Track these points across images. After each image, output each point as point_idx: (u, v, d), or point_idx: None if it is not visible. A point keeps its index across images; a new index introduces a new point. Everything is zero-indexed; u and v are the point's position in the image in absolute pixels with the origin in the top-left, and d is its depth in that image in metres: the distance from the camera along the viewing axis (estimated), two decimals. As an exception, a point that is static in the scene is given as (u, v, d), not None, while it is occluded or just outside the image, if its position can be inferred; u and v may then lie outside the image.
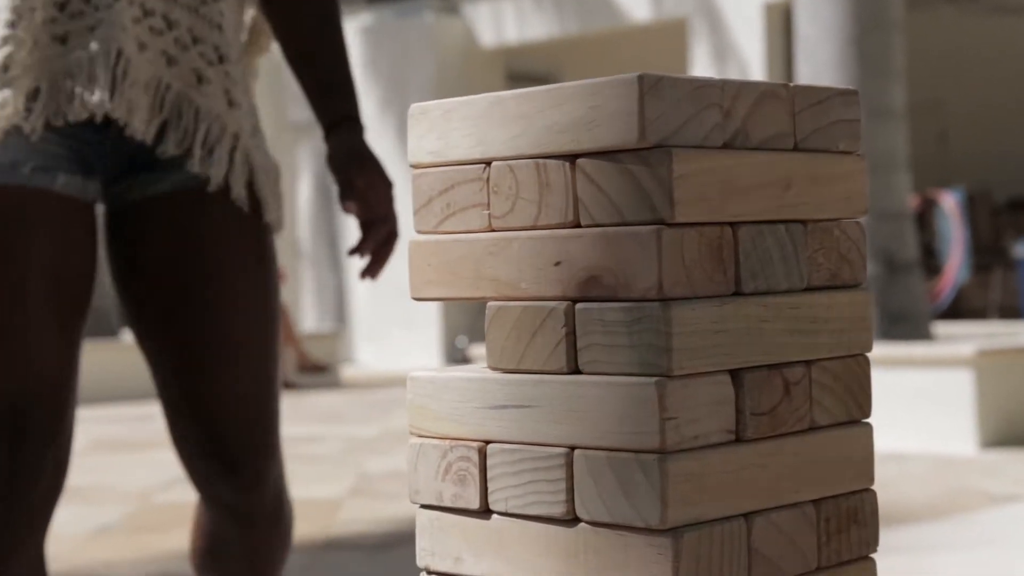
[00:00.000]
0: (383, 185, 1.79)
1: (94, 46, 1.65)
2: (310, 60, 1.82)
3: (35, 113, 1.65)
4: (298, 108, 12.45)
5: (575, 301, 1.16)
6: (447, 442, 1.24)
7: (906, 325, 6.32)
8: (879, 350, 5.78)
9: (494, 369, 1.22)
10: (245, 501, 1.79)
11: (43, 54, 1.66)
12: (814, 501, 1.23)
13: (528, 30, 11.60)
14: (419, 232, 1.27)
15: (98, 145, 1.71)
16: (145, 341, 1.79)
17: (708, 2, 10.36)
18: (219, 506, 1.81)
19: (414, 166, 1.27)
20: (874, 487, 1.30)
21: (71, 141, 1.68)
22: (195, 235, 1.73)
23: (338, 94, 1.81)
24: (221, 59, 1.73)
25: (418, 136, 1.27)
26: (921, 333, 6.35)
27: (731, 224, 1.17)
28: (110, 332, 9.90)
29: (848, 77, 6.31)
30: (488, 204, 1.22)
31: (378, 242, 1.78)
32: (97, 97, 1.64)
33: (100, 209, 1.79)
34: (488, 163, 1.22)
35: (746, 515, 1.17)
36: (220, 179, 1.71)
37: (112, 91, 1.66)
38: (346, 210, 1.80)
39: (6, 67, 1.65)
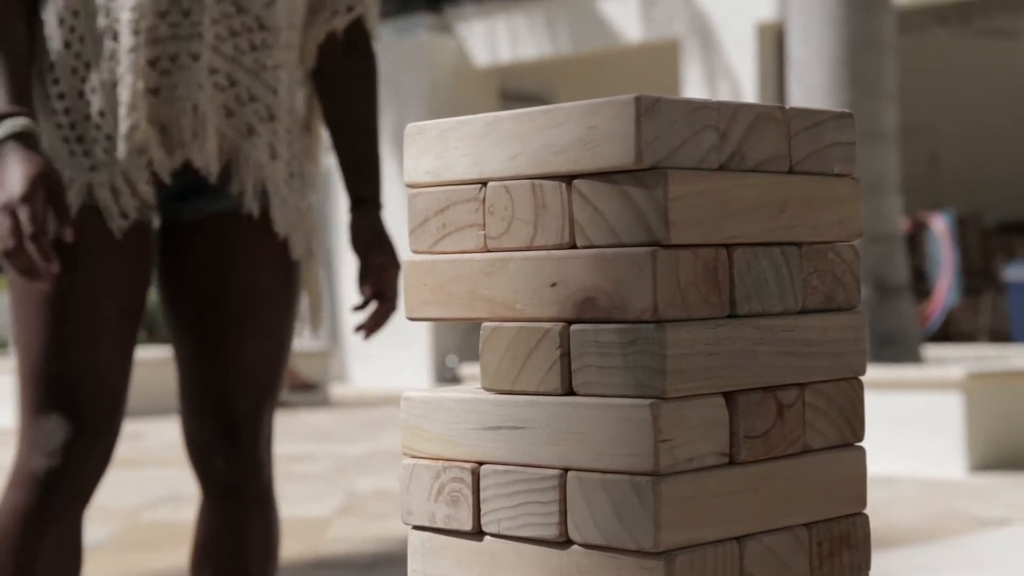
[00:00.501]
0: (393, 267, 2.11)
1: (178, 103, 1.98)
2: (348, 141, 2.13)
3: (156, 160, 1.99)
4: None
5: (570, 322, 1.16)
6: (440, 463, 1.23)
7: (896, 348, 6.33)
8: (869, 373, 5.78)
9: (488, 390, 1.22)
10: (239, 473, 2.05)
11: (145, 107, 1.99)
12: (807, 524, 1.23)
13: (521, 49, 11.63)
14: (415, 252, 1.27)
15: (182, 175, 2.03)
16: (178, 328, 2.09)
17: (700, 23, 10.40)
18: (214, 485, 2.07)
19: (410, 185, 1.27)
20: (866, 511, 1.29)
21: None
22: (230, 244, 2.04)
23: (367, 177, 2.12)
24: (271, 117, 2.03)
25: (414, 156, 1.27)
26: (911, 356, 6.36)
27: (726, 246, 1.17)
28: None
29: (840, 99, 6.33)
30: (484, 224, 1.21)
31: (378, 317, 2.10)
32: (197, 149, 1.98)
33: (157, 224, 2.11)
34: (484, 183, 1.21)
35: (739, 538, 1.17)
36: (256, 213, 2.02)
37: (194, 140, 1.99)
38: (361, 287, 2.11)
39: (133, 110, 1.96)
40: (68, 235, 1.90)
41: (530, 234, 1.18)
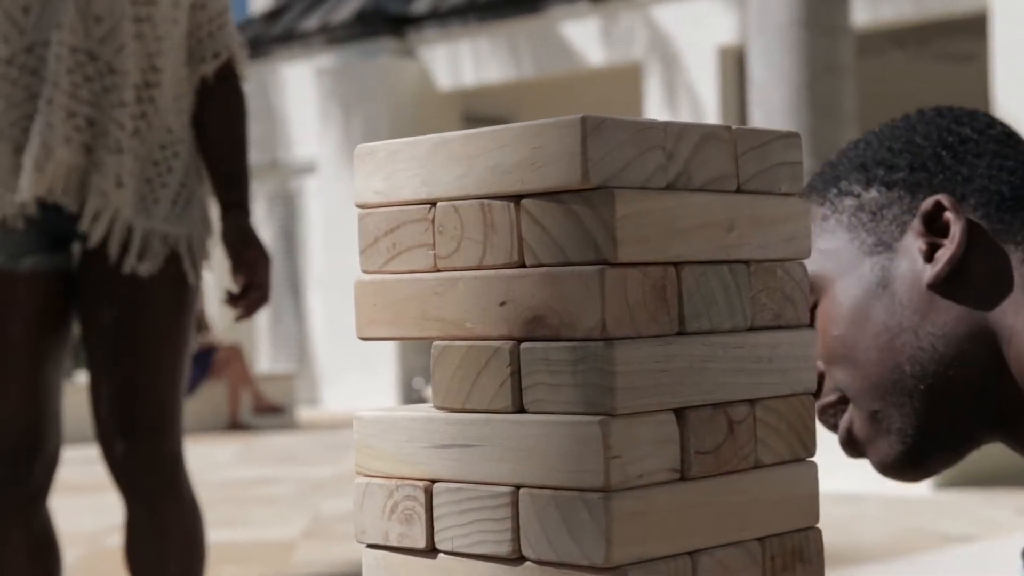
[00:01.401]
0: (263, 260, 2.38)
1: (32, 143, 2.24)
2: (216, 153, 2.41)
3: (11, 207, 2.29)
4: (255, 157, 12.44)
5: (520, 340, 1.17)
6: (393, 481, 1.24)
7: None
8: (832, 391, 5.81)
9: (440, 408, 1.22)
10: (128, 478, 2.36)
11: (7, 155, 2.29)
12: (759, 539, 1.24)
13: (485, 73, 11.66)
14: (365, 272, 1.28)
15: (59, 220, 2.34)
16: (85, 350, 2.41)
17: (662, 46, 10.46)
18: (123, 488, 2.38)
19: (360, 206, 1.28)
20: (819, 526, 1.30)
21: (41, 223, 2.31)
22: (102, 277, 2.35)
23: (233, 185, 2.40)
24: (119, 150, 2.30)
25: (364, 176, 1.27)
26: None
27: (675, 264, 1.18)
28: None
29: (800, 121, 6.38)
30: (434, 244, 1.22)
31: (251, 303, 2.38)
32: (25, 180, 2.24)
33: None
34: (434, 203, 1.22)
35: (691, 553, 1.18)
36: (97, 240, 2.31)
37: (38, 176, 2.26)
38: (235, 278, 2.37)
39: None
40: None
41: (479, 254, 1.19)
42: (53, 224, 2.34)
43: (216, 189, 2.42)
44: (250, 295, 2.39)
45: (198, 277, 2.42)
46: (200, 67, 2.41)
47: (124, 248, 2.30)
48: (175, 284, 2.36)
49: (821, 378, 1.44)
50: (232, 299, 2.41)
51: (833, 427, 1.44)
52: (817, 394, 1.43)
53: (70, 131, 2.26)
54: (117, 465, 2.38)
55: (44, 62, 2.27)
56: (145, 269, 2.32)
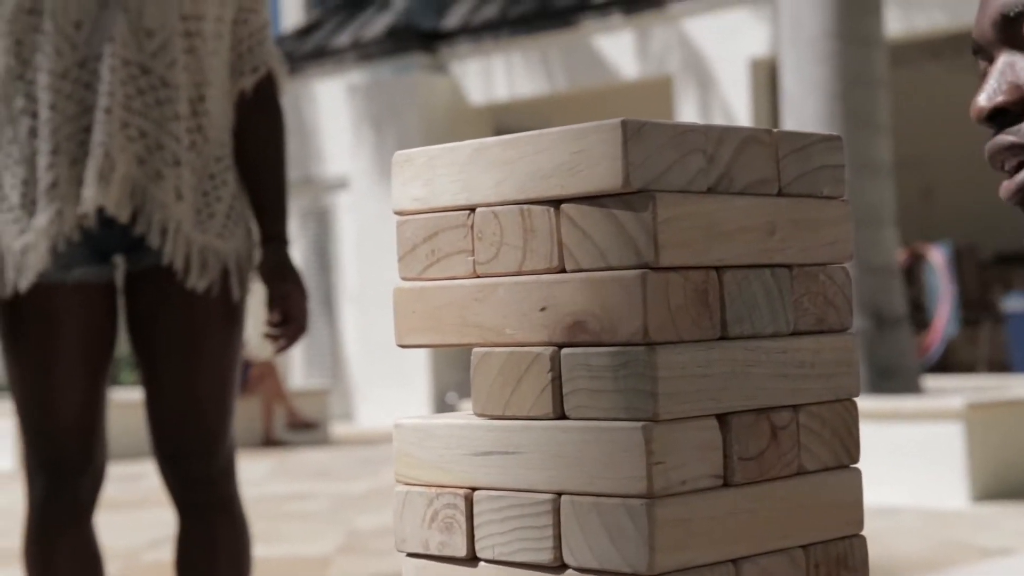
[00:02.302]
0: (300, 294, 2.41)
1: (93, 151, 2.26)
2: (256, 185, 2.42)
3: (70, 219, 2.30)
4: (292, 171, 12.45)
5: (561, 346, 1.16)
6: (433, 490, 1.23)
7: (895, 379, 6.31)
8: (869, 404, 5.77)
9: (480, 416, 1.21)
10: (189, 492, 2.36)
11: (65, 169, 2.30)
12: (803, 547, 1.22)
13: (517, 87, 11.67)
14: (404, 279, 1.27)
15: (109, 233, 2.32)
16: (140, 368, 2.40)
17: (694, 59, 10.44)
18: (176, 505, 2.38)
19: (398, 213, 1.27)
20: (864, 534, 1.29)
21: (90, 234, 2.31)
22: (158, 291, 2.35)
23: (272, 216, 2.42)
24: (177, 163, 2.31)
25: (402, 183, 1.27)
26: (910, 387, 6.35)
27: (716, 268, 1.17)
28: (98, 391, 9.83)
29: (834, 132, 6.35)
30: (473, 250, 1.22)
31: (288, 336, 2.40)
32: (90, 191, 2.25)
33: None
34: (472, 209, 1.22)
35: (735, 560, 1.16)
36: (170, 257, 2.31)
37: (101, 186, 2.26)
38: (270, 311, 2.40)
39: (55, 183, 2.28)
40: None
41: (519, 259, 1.18)
42: (100, 237, 2.35)
43: (256, 216, 2.44)
44: (287, 329, 2.42)
45: (244, 293, 2.45)
46: (239, 81, 2.43)
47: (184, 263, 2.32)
48: (226, 300, 2.36)
49: (998, 112, 1.23)
50: (269, 334, 2.45)
51: (1001, 168, 1.23)
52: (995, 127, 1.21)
53: (124, 142, 2.27)
54: (175, 479, 2.38)
55: (97, 76, 2.29)
56: (202, 285, 2.33)
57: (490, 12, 11.87)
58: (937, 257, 9.44)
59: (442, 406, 11.46)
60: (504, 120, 12.36)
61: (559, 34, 11.27)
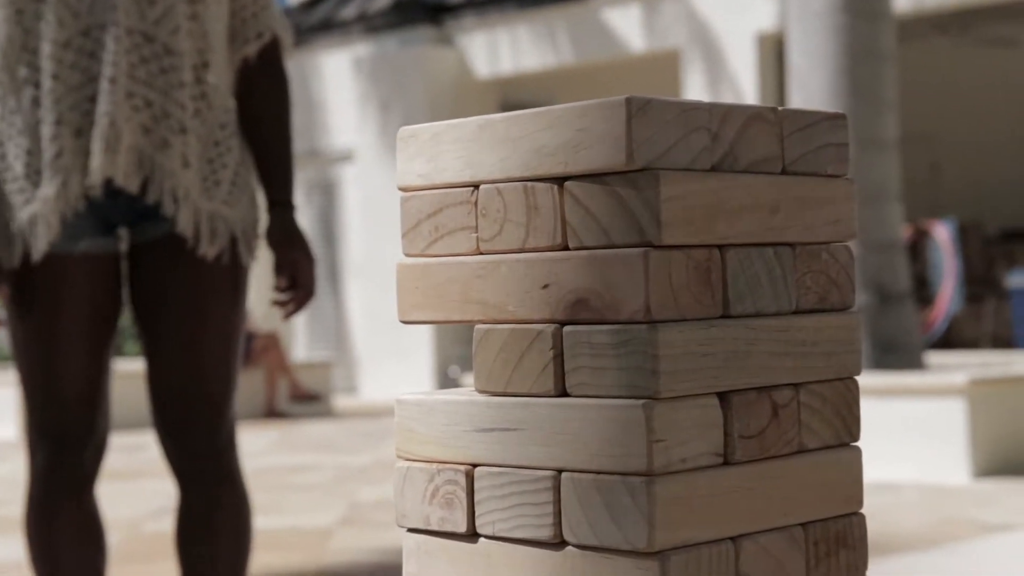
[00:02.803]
0: (307, 260, 2.40)
1: (98, 121, 2.24)
2: (262, 151, 2.40)
3: (76, 189, 2.27)
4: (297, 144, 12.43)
5: (563, 324, 1.16)
6: (434, 465, 1.23)
7: (899, 355, 6.32)
8: (872, 380, 5.78)
9: (481, 392, 1.22)
10: (191, 461, 2.33)
11: (69, 136, 2.27)
12: (803, 524, 1.23)
13: (523, 60, 11.64)
14: (407, 255, 1.27)
15: (114, 204, 2.30)
16: (139, 338, 2.39)
17: (701, 33, 10.41)
18: (175, 475, 2.36)
19: (402, 189, 1.27)
20: (863, 511, 1.29)
21: (95, 204, 2.29)
22: (165, 260, 2.33)
23: (279, 182, 2.41)
24: (183, 131, 2.29)
25: (407, 159, 1.27)
26: (914, 363, 6.35)
27: (719, 247, 1.17)
28: (102, 361, 9.85)
29: (840, 107, 6.33)
30: (476, 227, 1.22)
31: (296, 301, 2.39)
32: (97, 162, 2.23)
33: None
34: (476, 186, 1.22)
35: (734, 538, 1.17)
36: (184, 224, 2.28)
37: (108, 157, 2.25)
38: (278, 277, 2.38)
39: (59, 154, 2.26)
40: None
41: (522, 236, 1.18)
42: (105, 207, 2.33)
43: (263, 183, 2.43)
44: (295, 294, 2.40)
45: (251, 260, 2.42)
46: (244, 48, 2.40)
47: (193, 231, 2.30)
48: (233, 268, 2.34)
49: None
50: (278, 300, 2.44)
51: None
52: None
53: (129, 111, 2.25)
54: (176, 451, 2.36)
55: (101, 45, 2.27)
56: (213, 252, 2.31)
57: (496, -16, 11.83)
58: (942, 233, 9.43)
59: (444, 379, 11.48)
60: (510, 93, 12.33)
61: (566, 7, 11.23)
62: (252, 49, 2.39)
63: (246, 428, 8.95)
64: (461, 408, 1.22)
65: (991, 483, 5.50)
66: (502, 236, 1.20)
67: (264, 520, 4.80)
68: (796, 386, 1.23)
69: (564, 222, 1.16)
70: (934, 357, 7.49)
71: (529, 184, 1.18)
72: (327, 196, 13.22)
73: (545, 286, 1.17)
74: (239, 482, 2.38)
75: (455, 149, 1.23)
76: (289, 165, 2.44)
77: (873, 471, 5.34)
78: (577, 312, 1.15)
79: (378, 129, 12.11)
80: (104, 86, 2.25)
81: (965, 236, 10.36)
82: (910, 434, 5.72)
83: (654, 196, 1.11)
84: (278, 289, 2.40)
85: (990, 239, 11.57)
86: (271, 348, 10.21)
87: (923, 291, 9.39)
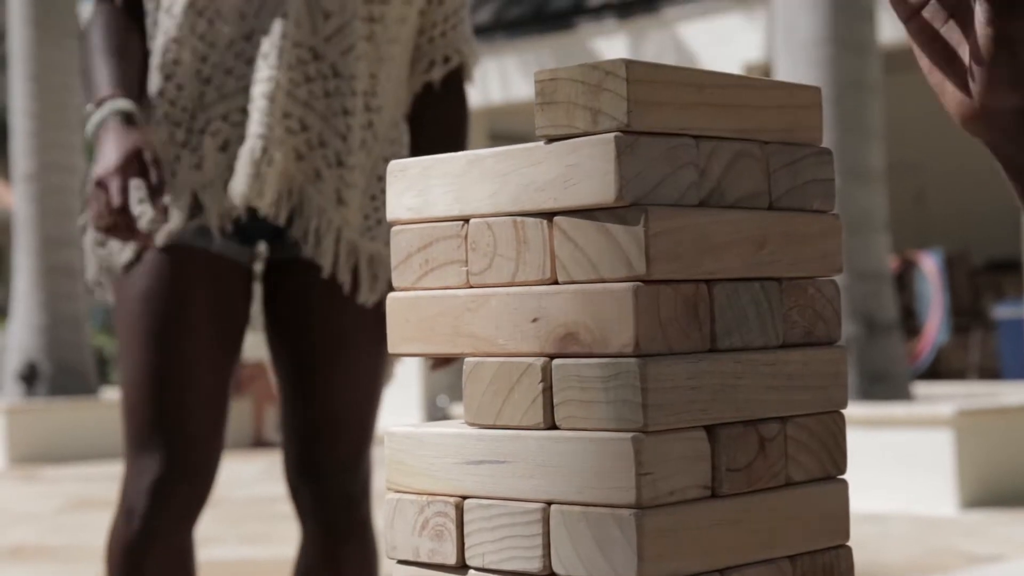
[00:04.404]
0: None
1: (246, 145, 2.03)
2: None
3: (217, 209, 2.06)
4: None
5: (552, 357, 1.17)
6: (424, 497, 1.24)
7: (886, 385, 6.34)
8: (859, 410, 5.79)
9: (471, 424, 1.23)
10: (327, 510, 2.12)
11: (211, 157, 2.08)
12: (790, 557, 1.23)
13: (512, 90, 11.69)
14: (397, 288, 1.28)
15: (254, 218, 2.10)
16: (275, 366, 2.16)
17: (688, 62, 10.46)
18: (306, 520, 2.14)
19: (393, 222, 1.28)
20: (850, 544, 1.30)
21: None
22: (314, 286, 2.11)
23: None
24: (339, 163, 2.06)
25: (397, 193, 1.28)
26: (901, 394, 6.37)
27: (706, 281, 1.18)
28: (89, 390, 9.85)
29: (827, 138, 6.37)
30: (466, 261, 1.23)
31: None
32: (241, 188, 2.02)
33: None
34: (466, 220, 1.23)
35: (722, 570, 1.18)
36: (329, 268, 2.07)
37: (254, 182, 2.03)
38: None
39: (199, 165, 2.06)
40: (158, 210, 1.96)
41: (512, 270, 1.20)
42: (246, 221, 2.11)
43: None
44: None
45: (372, 301, 2.17)
46: (429, 71, 2.18)
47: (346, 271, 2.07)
48: (378, 309, 2.12)
49: None
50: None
51: None
52: None
53: (283, 134, 2.03)
54: (310, 496, 2.12)
55: (262, 53, 2.04)
56: (372, 300, 2.10)
57: (485, 15, 11.88)
58: (928, 264, 9.46)
59: (433, 409, 11.46)
60: (498, 123, 12.37)
61: (554, 37, 11.29)
62: (438, 75, 2.18)
63: (234, 457, 8.93)
64: (451, 440, 1.23)
65: (978, 514, 5.51)
66: (492, 270, 1.21)
67: (252, 550, 4.79)
68: (783, 419, 1.24)
69: (553, 256, 1.17)
70: (921, 388, 7.51)
71: (519, 219, 1.19)
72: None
73: (534, 320, 1.18)
74: (370, 535, 2.19)
75: (444, 183, 1.24)
76: None
77: (860, 502, 5.35)
78: (566, 346, 1.16)
79: (367, 158, 12.12)
80: (259, 103, 2.02)
81: (952, 267, 10.40)
82: (897, 465, 5.73)
83: (642, 231, 1.13)
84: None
85: (977, 270, 11.62)
86: (258, 377, 10.19)
87: (910, 321, 9.42)
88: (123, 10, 2.15)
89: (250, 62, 2.05)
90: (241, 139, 2.04)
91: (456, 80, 2.21)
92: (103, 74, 2.05)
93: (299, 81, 2.04)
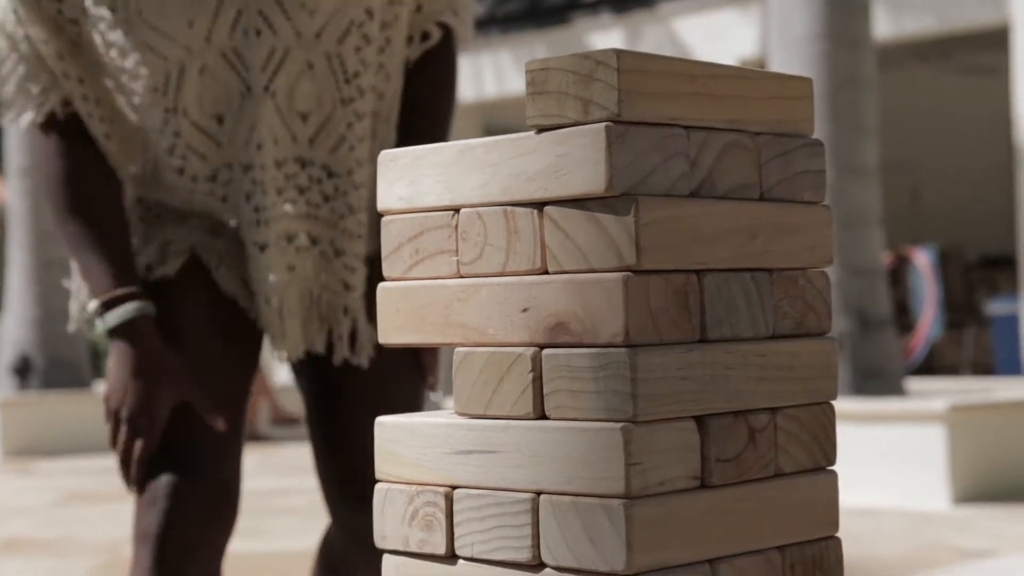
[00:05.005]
0: None
1: (258, 298, 1.92)
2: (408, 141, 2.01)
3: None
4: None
5: (542, 347, 1.17)
6: (414, 487, 1.24)
7: (879, 381, 6.34)
8: (852, 405, 5.80)
9: (461, 415, 1.23)
10: (360, 540, 1.98)
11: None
12: (779, 547, 1.24)
13: (506, 84, 11.68)
14: (388, 278, 1.28)
15: None
16: (305, 399, 2.06)
17: (683, 57, 10.47)
18: (347, 531, 2.02)
19: (383, 212, 1.28)
20: (839, 535, 1.30)
21: None
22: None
23: None
24: (353, 269, 1.95)
25: (388, 183, 1.28)
26: (894, 389, 6.37)
27: (697, 272, 1.18)
28: (82, 383, 9.85)
29: (821, 133, 6.37)
30: (457, 250, 1.23)
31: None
32: (279, 340, 1.92)
33: None
34: (457, 210, 1.23)
35: (711, 561, 1.18)
36: (364, 361, 1.97)
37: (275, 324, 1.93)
38: None
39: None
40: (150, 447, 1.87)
41: (502, 260, 1.20)
42: None
43: None
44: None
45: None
46: (406, 49, 2.03)
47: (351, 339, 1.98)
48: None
49: None
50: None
51: None
52: None
53: (292, 258, 1.92)
54: (361, 531, 1.96)
55: (244, 191, 1.92)
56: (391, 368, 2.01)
57: (479, 10, 11.88)
58: (922, 260, 9.47)
59: (427, 403, 11.46)
60: (493, 118, 12.36)
61: (548, 32, 11.29)
62: (414, 54, 2.03)
63: (227, 451, 8.90)
64: (441, 430, 1.23)
65: (971, 509, 5.52)
66: (482, 260, 1.21)
67: (245, 544, 4.79)
68: (773, 410, 1.24)
69: (544, 246, 1.17)
70: (914, 383, 7.52)
71: (509, 208, 1.19)
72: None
73: (525, 309, 1.18)
74: None
75: (435, 173, 1.24)
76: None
77: (853, 497, 5.35)
78: (556, 335, 1.16)
79: (361, 152, 12.12)
80: (251, 250, 1.91)
81: (945, 262, 10.42)
82: (890, 460, 5.74)
83: (633, 221, 1.13)
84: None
85: (970, 265, 11.63)
86: (253, 371, 10.19)
87: (904, 317, 9.43)
88: (77, 144, 1.94)
89: (238, 185, 1.92)
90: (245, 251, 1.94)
91: (441, 48, 2.06)
92: (102, 266, 1.89)
93: (293, 198, 1.91)
